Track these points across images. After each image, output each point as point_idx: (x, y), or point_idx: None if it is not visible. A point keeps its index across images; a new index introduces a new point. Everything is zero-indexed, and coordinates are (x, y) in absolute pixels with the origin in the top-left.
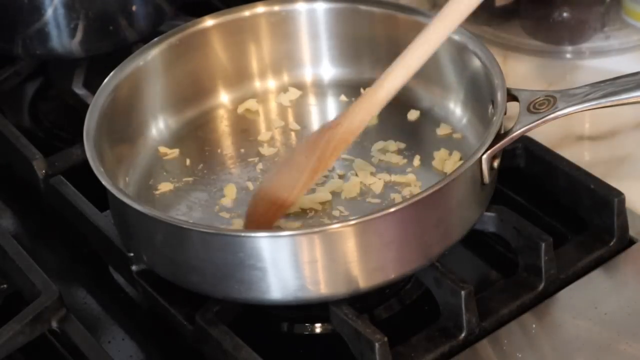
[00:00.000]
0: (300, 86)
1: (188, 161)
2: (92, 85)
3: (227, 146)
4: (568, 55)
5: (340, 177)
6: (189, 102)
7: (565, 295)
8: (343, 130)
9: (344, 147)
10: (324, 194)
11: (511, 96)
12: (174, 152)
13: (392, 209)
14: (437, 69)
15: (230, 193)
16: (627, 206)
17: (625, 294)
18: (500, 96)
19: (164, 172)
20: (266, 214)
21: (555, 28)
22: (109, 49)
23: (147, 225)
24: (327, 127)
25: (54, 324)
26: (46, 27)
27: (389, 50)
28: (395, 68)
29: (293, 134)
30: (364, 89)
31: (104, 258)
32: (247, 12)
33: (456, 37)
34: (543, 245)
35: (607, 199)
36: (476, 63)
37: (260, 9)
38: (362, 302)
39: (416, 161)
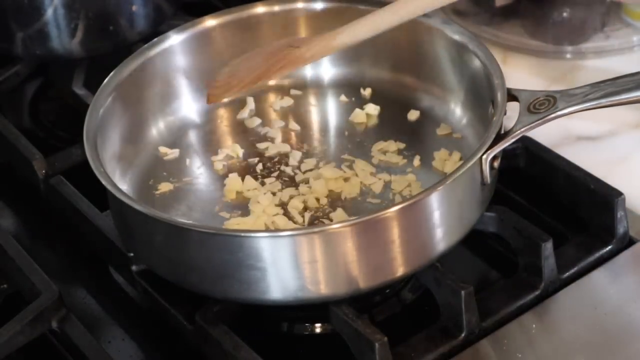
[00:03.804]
0: (300, 86)
1: (188, 161)
2: (92, 85)
3: (227, 146)
4: (568, 55)
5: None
6: (189, 102)
7: (565, 295)
8: (298, 54)
9: (291, 68)
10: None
11: (511, 96)
12: (174, 152)
13: (392, 209)
14: (437, 69)
15: (230, 193)
16: (627, 206)
17: (625, 294)
18: (500, 96)
19: (164, 172)
20: (222, 90)
21: (555, 28)
22: (109, 49)
23: (147, 225)
24: (288, 45)
25: (54, 324)
26: (46, 27)
27: (389, 50)
28: (356, 25)
29: (293, 134)
30: (364, 89)
31: (104, 258)
32: (247, 12)
33: (456, 37)
34: (543, 245)
35: (607, 199)
36: (476, 63)
37: (260, 9)
38: (362, 302)
39: (416, 161)
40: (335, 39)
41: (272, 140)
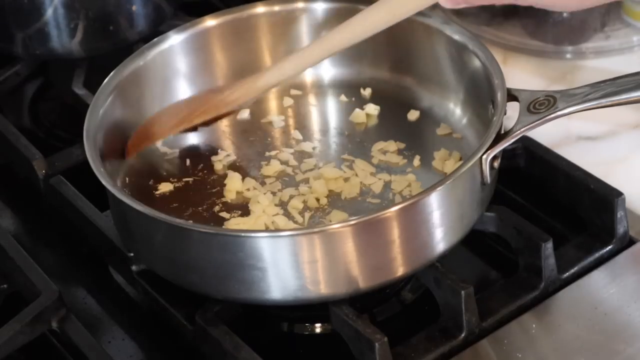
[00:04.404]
0: (300, 86)
1: (188, 161)
2: (92, 85)
3: (227, 146)
4: (568, 55)
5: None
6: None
7: (565, 295)
8: (220, 98)
9: (213, 113)
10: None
11: (511, 96)
12: (174, 152)
13: (392, 209)
14: (437, 69)
15: (230, 193)
16: (627, 206)
17: (625, 294)
18: (500, 96)
19: (164, 172)
20: (141, 139)
21: (555, 28)
22: (109, 49)
23: (147, 225)
24: (210, 91)
25: (54, 324)
26: (46, 27)
27: (389, 50)
28: (282, 63)
29: (293, 134)
30: (364, 89)
31: (104, 258)
32: (247, 12)
33: (456, 37)
34: (543, 245)
35: (607, 199)
36: (476, 63)
37: (260, 9)
38: (362, 302)
39: (416, 161)
40: (260, 80)
41: (272, 140)
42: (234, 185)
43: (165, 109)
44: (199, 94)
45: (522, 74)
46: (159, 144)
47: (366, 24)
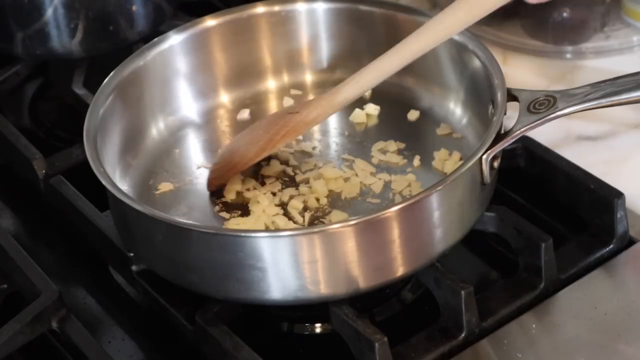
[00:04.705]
0: (300, 86)
1: (188, 161)
2: (92, 85)
3: None
4: (568, 55)
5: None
6: (189, 102)
7: (565, 295)
8: (298, 119)
9: (294, 135)
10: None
11: (511, 96)
12: (174, 153)
13: (392, 209)
14: (437, 69)
15: (230, 193)
16: (627, 206)
17: (625, 294)
18: (500, 96)
19: (164, 172)
20: (224, 171)
21: (555, 28)
22: (109, 49)
23: (147, 225)
24: (287, 112)
25: (54, 324)
26: (46, 27)
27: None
28: (360, 75)
29: None
30: None
31: (104, 258)
32: (247, 12)
33: (456, 37)
34: (543, 245)
35: (607, 199)
36: (476, 63)
37: (260, 9)
38: (362, 302)
39: (416, 161)
40: (338, 95)
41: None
42: (233, 185)
43: (243, 136)
44: (275, 116)
45: (522, 74)
46: (158, 144)
47: (443, 28)
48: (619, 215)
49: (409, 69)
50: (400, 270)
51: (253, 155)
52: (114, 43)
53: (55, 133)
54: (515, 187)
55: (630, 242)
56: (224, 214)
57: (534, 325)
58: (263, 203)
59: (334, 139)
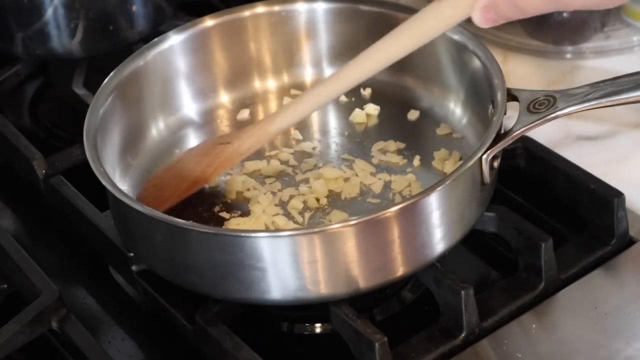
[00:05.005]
0: (300, 86)
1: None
2: (92, 85)
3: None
4: (568, 55)
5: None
6: (189, 102)
7: (565, 295)
8: (231, 150)
9: (228, 166)
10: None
11: (511, 96)
12: (174, 153)
13: (392, 209)
14: (437, 69)
15: (230, 193)
16: (627, 206)
17: (625, 294)
18: (500, 96)
19: None
20: (154, 205)
21: (555, 28)
22: (109, 49)
23: (147, 225)
24: (218, 143)
25: (54, 324)
26: (46, 27)
27: None
28: (297, 103)
29: (293, 134)
30: (364, 89)
31: (104, 258)
32: (247, 12)
33: (456, 37)
34: (543, 245)
35: (607, 199)
36: (476, 63)
37: (260, 9)
38: (362, 302)
39: (416, 161)
40: (272, 125)
41: (271, 141)
42: (233, 185)
43: (169, 170)
44: (205, 147)
45: (522, 74)
46: (158, 144)
47: (385, 53)
48: (618, 215)
49: (409, 69)
50: (400, 270)
51: (184, 189)
52: (114, 43)
53: (55, 133)
54: (515, 187)
55: (630, 242)
56: (224, 214)
57: (534, 325)
58: (263, 203)
59: (334, 139)
